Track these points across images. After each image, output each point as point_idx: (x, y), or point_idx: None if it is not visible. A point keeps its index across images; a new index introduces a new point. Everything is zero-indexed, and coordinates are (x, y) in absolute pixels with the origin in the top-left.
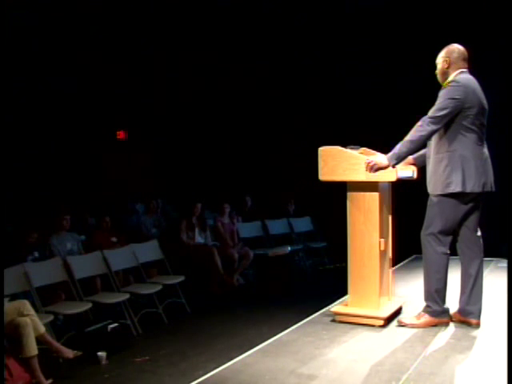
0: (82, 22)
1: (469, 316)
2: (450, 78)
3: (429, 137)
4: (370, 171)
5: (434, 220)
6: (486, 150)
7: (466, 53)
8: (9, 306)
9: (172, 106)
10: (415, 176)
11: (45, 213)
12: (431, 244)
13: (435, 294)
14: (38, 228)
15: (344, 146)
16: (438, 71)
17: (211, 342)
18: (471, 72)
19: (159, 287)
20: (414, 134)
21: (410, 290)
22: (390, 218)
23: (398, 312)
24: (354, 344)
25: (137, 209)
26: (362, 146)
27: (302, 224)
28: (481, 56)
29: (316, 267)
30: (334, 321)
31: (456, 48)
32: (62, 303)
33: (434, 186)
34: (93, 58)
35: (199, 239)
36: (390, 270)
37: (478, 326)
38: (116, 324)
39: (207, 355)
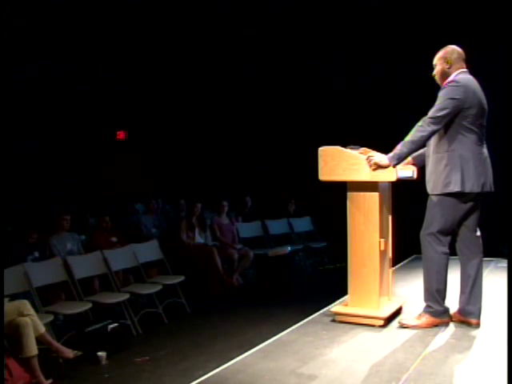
0: (82, 22)
1: (469, 316)
2: (450, 78)
3: (429, 137)
4: (368, 164)
5: (434, 220)
6: (485, 150)
7: (463, 53)
8: (9, 306)
9: (172, 106)
10: (415, 176)
11: (45, 213)
12: (431, 244)
13: (436, 293)
14: (38, 228)
15: (344, 146)
16: (436, 72)
17: (211, 342)
18: (472, 72)
19: (159, 287)
20: (414, 135)
21: (409, 290)
22: (390, 217)
23: (398, 312)
24: (354, 344)
25: (137, 209)
26: (362, 146)
27: (302, 224)
28: (481, 56)
29: (316, 267)
30: (333, 321)
31: (455, 48)
32: (62, 303)
33: (433, 186)
34: (93, 58)
35: (199, 239)
36: (390, 270)
37: (477, 325)
38: (116, 324)
39: (207, 355)
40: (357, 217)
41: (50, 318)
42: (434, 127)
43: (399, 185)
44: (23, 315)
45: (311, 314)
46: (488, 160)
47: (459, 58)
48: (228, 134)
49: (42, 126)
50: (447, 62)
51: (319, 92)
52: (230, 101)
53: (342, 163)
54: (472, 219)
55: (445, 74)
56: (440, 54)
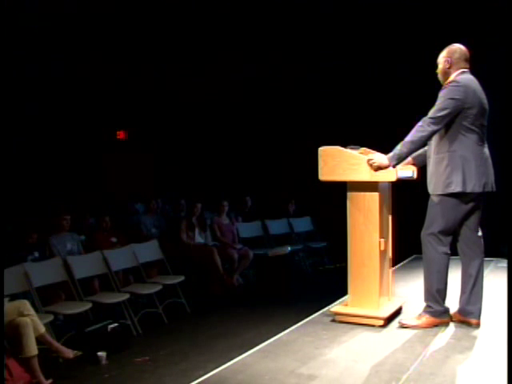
0: (82, 23)
1: (469, 316)
2: (451, 78)
3: (429, 137)
4: (371, 169)
5: (435, 220)
6: (486, 150)
7: (467, 53)
8: (9, 306)
9: (172, 106)
10: (415, 176)
11: (45, 213)
12: (432, 244)
13: (436, 293)
14: (38, 228)
15: (344, 146)
16: (439, 71)
17: (211, 342)
18: (472, 72)
19: (159, 287)
20: (414, 135)
21: (410, 290)
22: (390, 217)
23: (397, 312)
24: (354, 344)
25: (137, 209)
26: (362, 146)
27: (302, 224)
28: (481, 56)
29: (316, 267)
30: (334, 321)
31: (458, 48)
32: (62, 303)
33: (434, 186)
34: (93, 58)
35: (199, 239)
36: (390, 270)
37: (478, 326)
38: (116, 324)
39: (207, 355)
40: (357, 217)
41: (50, 318)
42: (434, 127)
43: (399, 185)
44: (23, 315)
45: (311, 314)
46: (489, 160)
47: (461, 58)
48: (228, 134)
49: (42, 125)
50: (448, 62)
51: (319, 92)
52: (230, 101)
53: (342, 163)
54: (473, 219)
55: (445, 74)
56: (443, 52)
